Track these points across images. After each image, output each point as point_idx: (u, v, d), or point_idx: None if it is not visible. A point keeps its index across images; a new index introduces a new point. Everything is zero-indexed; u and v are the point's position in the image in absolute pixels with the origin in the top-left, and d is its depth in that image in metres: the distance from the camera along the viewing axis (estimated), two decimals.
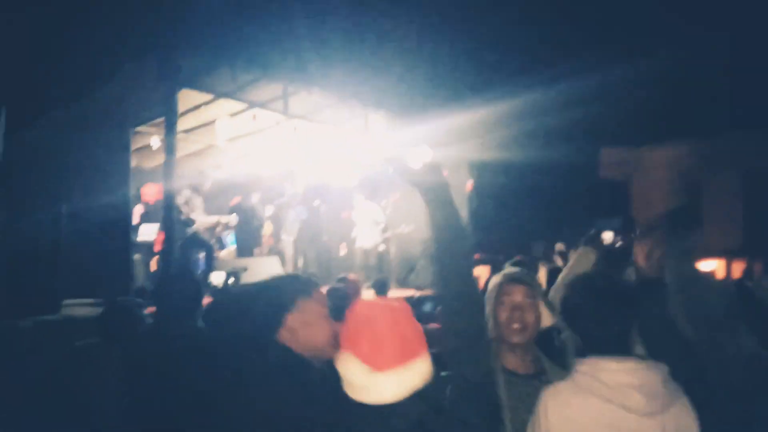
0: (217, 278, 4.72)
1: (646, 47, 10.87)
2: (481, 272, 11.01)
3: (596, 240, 3.13)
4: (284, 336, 1.73)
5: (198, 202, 8.49)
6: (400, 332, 1.65)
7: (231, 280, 4.47)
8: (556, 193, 11.15)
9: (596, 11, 11.47)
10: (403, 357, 1.62)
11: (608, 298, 1.80)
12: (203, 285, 4.62)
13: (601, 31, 11.53)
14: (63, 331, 3.59)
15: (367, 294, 6.28)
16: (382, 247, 9.37)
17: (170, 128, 6.45)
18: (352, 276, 5.83)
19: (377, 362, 1.60)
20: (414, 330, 1.68)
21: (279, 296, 1.77)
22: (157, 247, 7.92)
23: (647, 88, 11.21)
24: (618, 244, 3.16)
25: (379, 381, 1.58)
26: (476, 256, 11.36)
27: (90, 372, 2.86)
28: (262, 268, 6.97)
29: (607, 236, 3.16)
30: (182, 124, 8.05)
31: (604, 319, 1.79)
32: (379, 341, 1.63)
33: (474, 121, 9.08)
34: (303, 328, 1.75)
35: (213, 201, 8.98)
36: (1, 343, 3.19)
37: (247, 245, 8.65)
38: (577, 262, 3.01)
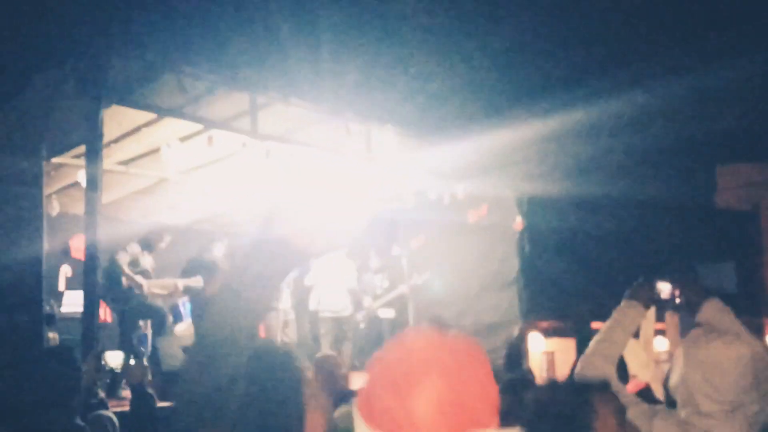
0: (113, 359, 4.81)
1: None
2: (556, 347, 10.80)
3: (645, 292, 3.03)
4: None
5: (148, 261, 8.62)
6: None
7: (132, 362, 4.57)
8: (643, 233, 10.92)
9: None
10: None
11: None
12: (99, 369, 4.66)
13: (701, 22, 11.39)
14: None
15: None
16: (386, 314, 9.35)
17: (93, 157, 6.58)
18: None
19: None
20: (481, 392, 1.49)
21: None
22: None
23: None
24: (679, 300, 3.05)
25: None
26: (541, 324, 11.18)
27: None
28: None
29: (664, 288, 3.05)
30: (119, 152, 8.23)
31: None
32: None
33: (523, 141, 9.04)
34: None
35: (168, 255, 9.10)
36: None
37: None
38: (617, 322, 2.94)
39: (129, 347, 7.41)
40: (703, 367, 2.51)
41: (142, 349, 7.42)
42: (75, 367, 3.46)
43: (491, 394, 1.47)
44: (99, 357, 4.65)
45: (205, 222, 10.98)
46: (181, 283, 8.72)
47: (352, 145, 8.63)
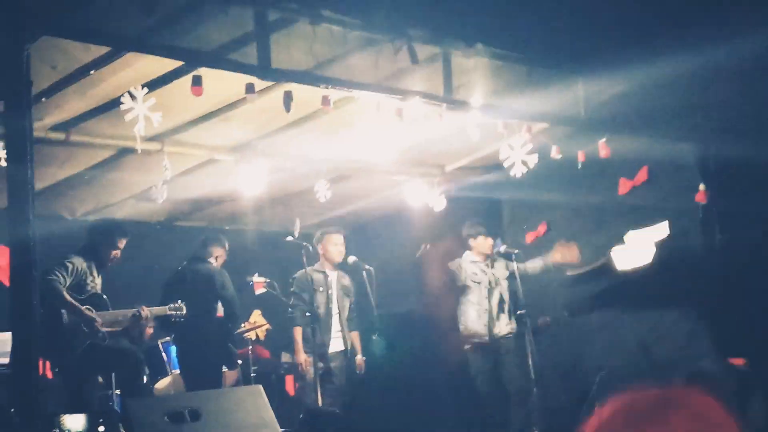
0: (73, 424, 5.11)
1: None
2: None
3: None
4: None
5: (99, 281, 8.85)
6: None
7: (101, 429, 4.87)
8: None
9: None
10: None
11: None
12: None
13: None
14: None
15: None
16: None
17: (18, 117, 6.72)
18: None
19: None
20: None
21: None
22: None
23: None
24: None
25: None
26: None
27: None
28: (238, 412, 7.27)
29: None
30: (56, 111, 8.56)
31: None
32: None
33: (711, 72, 8.95)
34: None
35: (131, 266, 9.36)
36: None
37: (203, 360, 9.07)
38: None
39: (90, 409, 7.50)
40: None
41: (115, 408, 7.54)
42: None
43: None
44: (52, 423, 4.80)
45: (192, 215, 11.51)
46: (155, 311, 9.09)
47: (421, 81, 8.77)
